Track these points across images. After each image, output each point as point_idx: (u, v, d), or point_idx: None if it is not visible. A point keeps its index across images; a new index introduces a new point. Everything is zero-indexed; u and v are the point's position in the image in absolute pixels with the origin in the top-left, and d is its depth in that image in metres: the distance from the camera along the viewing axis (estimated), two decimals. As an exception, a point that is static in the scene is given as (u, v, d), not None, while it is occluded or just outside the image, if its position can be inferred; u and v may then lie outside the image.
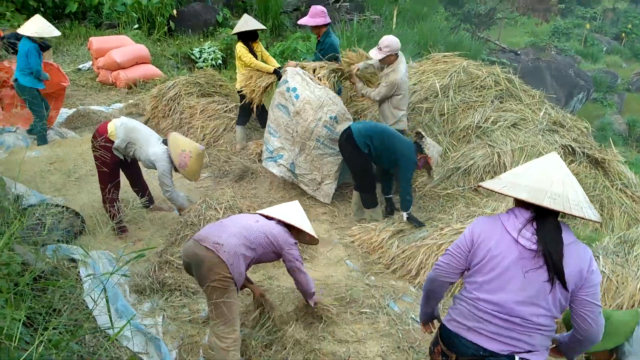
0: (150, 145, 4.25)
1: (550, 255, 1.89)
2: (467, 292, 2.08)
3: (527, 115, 5.90)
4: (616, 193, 5.45)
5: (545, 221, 1.94)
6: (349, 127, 4.70)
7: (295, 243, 3.08)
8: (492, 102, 5.97)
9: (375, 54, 4.95)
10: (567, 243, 1.93)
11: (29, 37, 5.74)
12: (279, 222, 3.09)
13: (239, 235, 2.85)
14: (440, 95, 5.97)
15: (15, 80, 5.84)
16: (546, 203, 1.88)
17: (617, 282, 3.58)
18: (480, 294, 2.01)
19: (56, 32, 5.95)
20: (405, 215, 4.58)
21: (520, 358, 1.96)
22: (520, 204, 2.02)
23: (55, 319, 1.91)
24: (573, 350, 2.17)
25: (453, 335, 2.08)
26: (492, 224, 2.04)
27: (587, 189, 5.38)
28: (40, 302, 2.31)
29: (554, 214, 1.94)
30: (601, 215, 5.37)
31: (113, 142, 4.21)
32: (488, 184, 2.08)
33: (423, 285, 2.30)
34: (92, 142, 4.34)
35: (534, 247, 1.92)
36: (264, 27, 6.21)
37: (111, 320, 2.22)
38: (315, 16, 5.52)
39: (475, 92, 6.02)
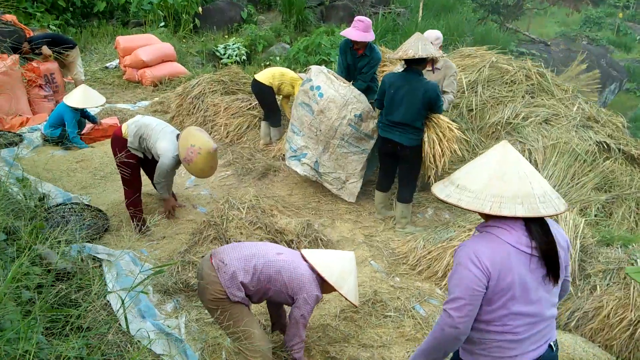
0: (160, 139, 4.16)
1: (549, 256, 1.80)
2: (496, 326, 1.85)
3: (560, 110, 5.70)
4: (654, 191, 5.22)
5: (536, 225, 1.81)
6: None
7: (317, 297, 2.66)
8: (522, 97, 5.78)
9: (435, 52, 4.41)
10: (554, 232, 1.85)
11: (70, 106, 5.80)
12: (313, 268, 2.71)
13: (246, 260, 2.60)
14: (468, 91, 5.80)
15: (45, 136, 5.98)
16: (543, 211, 1.72)
17: (657, 287, 3.40)
18: (514, 321, 1.82)
19: (97, 103, 5.98)
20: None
21: (552, 342, 1.95)
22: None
23: (82, 328, 1.88)
24: None
25: None
26: (499, 250, 1.79)
27: (622, 187, 5.17)
28: (64, 305, 2.30)
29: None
30: (637, 214, 5.14)
31: (121, 133, 4.24)
32: (466, 202, 1.78)
33: (428, 347, 1.93)
34: (112, 147, 4.35)
35: (531, 251, 1.80)
36: None
37: (127, 324, 2.19)
38: (368, 29, 5.03)
39: (505, 87, 5.84)
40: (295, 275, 2.61)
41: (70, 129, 5.82)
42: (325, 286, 2.71)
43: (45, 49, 6.94)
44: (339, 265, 2.73)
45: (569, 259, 1.95)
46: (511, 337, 1.82)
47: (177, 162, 4.22)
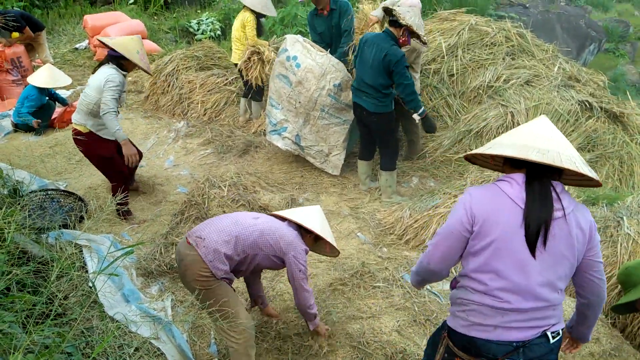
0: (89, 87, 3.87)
1: (529, 224, 1.67)
2: (478, 284, 1.76)
3: (541, 71, 5.63)
4: (636, 148, 5.23)
5: (535, 182, 1.69)
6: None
7: (305, 250, 2.65)
8: (503, 59, 5.70)
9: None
10: (567, 211, 1.71)
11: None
12: (292, 224, 2.70)
13: (226, 231, 2.51)
14: (448, 55, 5.70)
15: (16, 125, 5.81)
16: (533, 157, 1.64)
17: (643, 243, 3.40)
18: (495, 281, 1.72)
19: (63, 83, 5.85)
20: (417, 117, 4.28)
21: (551, 332, 1.76)
22: (511, 167, 1.79)
23: (55, 317, 1.79)
24: (587, 325, 1.97)
25: (479, 342, 1.77)
26: (494, 198, 1.73)
27: (605, 145, 5.17)
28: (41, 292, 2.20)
29: (548, 175, 1.70)
30: (621, 172, 5.16)
31: (82, 132, 3.94)
32: (472, 152, 1.91)
33: (417, 270, 1.98)
34: (84, 147, 4.05)
35: None
36: (275, 14, 6.20)
37: (100, 306, 2.10)
38: None
39: (485, 50, 5.75)
40: (279, 234, 2.58)
41: (26, 107, 5.65)
42: (306, 240, 2.70)
43: (28, 31, 6.75)
44: (317, 217, 2.77)
45: (595, 249, 1.79)
46: (491, 302, 1.72)
47: (118, 81, 3.83)
